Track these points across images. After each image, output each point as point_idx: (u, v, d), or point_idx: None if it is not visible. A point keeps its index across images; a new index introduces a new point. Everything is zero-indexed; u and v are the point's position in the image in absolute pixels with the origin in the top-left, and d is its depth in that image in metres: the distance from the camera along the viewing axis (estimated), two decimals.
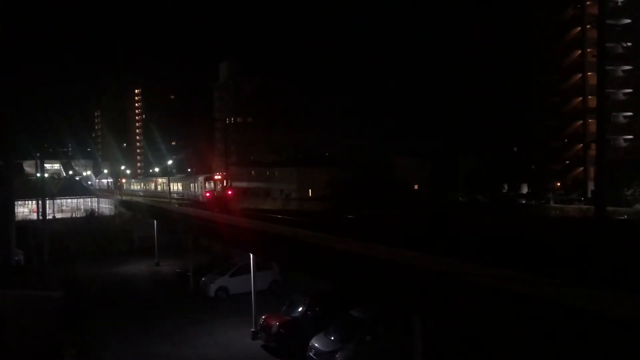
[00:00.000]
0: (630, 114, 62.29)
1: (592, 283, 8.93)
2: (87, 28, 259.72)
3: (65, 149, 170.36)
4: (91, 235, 48.58)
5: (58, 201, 61.72)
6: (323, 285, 19.91)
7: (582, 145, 64.13)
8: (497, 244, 16.51)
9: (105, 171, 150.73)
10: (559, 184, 64.59)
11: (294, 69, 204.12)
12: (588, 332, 7.55)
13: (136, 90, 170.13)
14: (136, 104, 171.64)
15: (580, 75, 64.02)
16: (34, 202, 52.00)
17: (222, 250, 34.04)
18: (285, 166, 79.67)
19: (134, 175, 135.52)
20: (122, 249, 44.05)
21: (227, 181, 63.48)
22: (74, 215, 61.29)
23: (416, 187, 69.81)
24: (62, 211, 62.26)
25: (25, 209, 56.53)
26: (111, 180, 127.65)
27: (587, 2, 62.50)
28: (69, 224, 54.07)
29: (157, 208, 43.17)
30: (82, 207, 64.54)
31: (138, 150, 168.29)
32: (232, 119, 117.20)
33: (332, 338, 16.80)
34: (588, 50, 61.55)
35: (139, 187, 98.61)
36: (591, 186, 56.78)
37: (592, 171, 58.69)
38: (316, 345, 16.80)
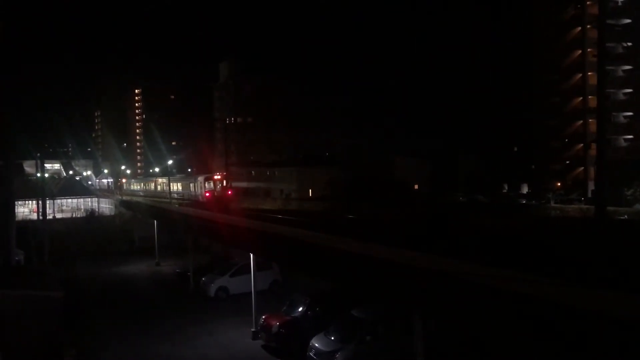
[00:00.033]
0: (630, 113, 62.28)
1: (592, 283, 8.93)
2: (87, 28, 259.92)
3: (66, 149, 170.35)
4: (91, 235, 48.62)
5: (58, 201, 61.77)
6: (323, 285, 19.92)
7: (582, 145, 64.13)
8: (497, 244, 16.51)
9: (106, 171, 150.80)
10: (559, 184, 64.61)
11: (294, 69, 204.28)
12: (588, 332, 7.55)
13: (136, 90, 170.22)
14: (136, 104, 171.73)
15: (581, 75, 64.02)
16: (34, 202, 52.02)
17: (222, 250, 34.04)
18: (286, 166, 79.70)
19: (134, 175, 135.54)
20: (122, 249, 44.05)
21: (227, 181, 63.46)
22: (74, 215, 61.34)
23: (416, 187, 69.83)
24: (62, 211, 62.30)
25: (26, 209, 56.56)
26: (111, 180, 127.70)
27: (588, 2, 62.50)
28: (69, 224, 54.13)
29: (157, 208, 43.17)
30: (82, 207, 64.59)
31: (138, 150, 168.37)
32: (232, 119, 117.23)
33: (333, 338, 16.80)
34: (588, 50, 61.54)
35: (138, 187, 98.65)
36: (591, 186, 56.78)
37: (592, 171, 58.67)
38: (316, 345, 16.79)
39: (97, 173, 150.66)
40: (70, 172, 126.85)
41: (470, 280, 9.82)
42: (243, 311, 22.26)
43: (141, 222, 45.74)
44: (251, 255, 20.75)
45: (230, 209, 38.00)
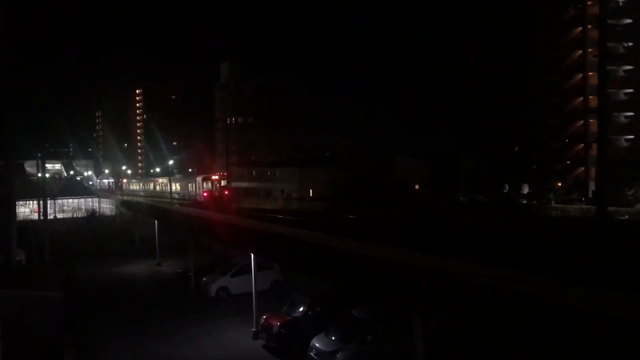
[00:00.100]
0: (631, 114, 62.28)
1: (592, 283, 8.92)
2: (88, 28, 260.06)
3: (67, 149, 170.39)
4: (92, 235, 48.71)
5: (59, 201, 61.83)
6: (323, 285, 19.92)
7: (583, 145, 64.11)
8: (497, 244, 16.49)
9: (107, 171, 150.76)
10: (560, 184, 64.57)
11: (294, 69, 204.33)
12: (588, 332, 7.55)
13: (137, 91, 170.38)
14: (137, 104, 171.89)
15: (581, 75, 64.00)
16: (35, 202, 52.06)
17: (223, 250, 34.06)
18: (286, 166, 79.66)
19: (135, 176, 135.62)
20: (123, 249, 44.08)
21: (225, 181, 63.49)
22: (75, 215, 61.45)
23: (417, 187, 69.80)
24: (63, 211, 62.40)
25: (27, 209, 56.64)
26: (112, 180, 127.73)
27: (588, 2, 62.47)
28: (70, 224, 54.23)
29: (158, 208, 43.18)
30: (83, 207, 64.71)
31: (139, 151, 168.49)
32: (233, 119, 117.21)
33: (333, 338, 16.80)
34: (589, 50, 61.52)
35: (139, 187, 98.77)
36: (592, 186, 56.75)
37: (593, 171, 58.65)
38: (317, 345, 16.80)
39: (98, 173, 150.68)
40: (71, 172, 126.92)
41: (470, 280, 9.81)
42: (244, 311, 22.29)
43: (142, 222, 45.79)
44: (252, 255, 20.77)
45: (226, 209, 37.95)
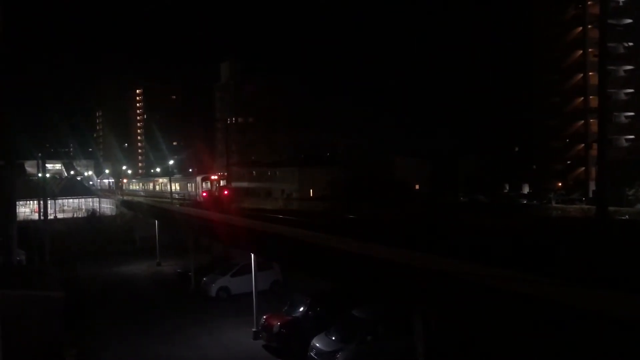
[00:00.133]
0: (631, 114, 62.26)
1: (592, 283, 8.92)
2: (88, 28, 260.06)
3: (67, 149, 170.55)
4: (92, 235, 48.67)
5: (59, 201, 61.83)
6: (323, 285, 19.92)
7: (583, 145, 64.09)
8: (497, 244, 16.48)
9: (107, 171, 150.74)
10: (560, 184, 64.54)
11: (294, 69, 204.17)
12: (588, 332, 7.54)
13: (137, 91, 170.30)
14: (137, 104, 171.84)
15: (582, 75, 63.99)
16: (35, 202, 52.04)
17: (223, 250, 34.06)
18: (286, 166, 79.70)
19: (135, 176, 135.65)
20: (123, 249, 44.09)
21: (225, 181, 63.49)
22: (75, 216, 61.38)
23: (417, 187, 69.79)
24: (63, 211, 62.37)
25: (27, 209, 56.58)
26: (112, 180, 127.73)
27: (589, 2, 62.44)
28: (71, 224, 54.18)
29: (158, 208, 43.20)
30: (83, 207, 64.66)
31: (139, 151, 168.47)
32: (233, 119, 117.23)
33: (333, 338, 16.80)
34: (589, 50, 61.51)
35: (138, 187, 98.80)
36: (593, 186, 56.74)
37: (593, 171, 58.65)
38: (317, 345, 16.80)
39: (99, 173, 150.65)
40: (72, 172, 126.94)
41: (470, 280, 9.81)
42: (244, 311, 22.28)
43: (142, 222, 45.78)
44: (252, 255, 20.76)
45: (225, 209, 37.96)
